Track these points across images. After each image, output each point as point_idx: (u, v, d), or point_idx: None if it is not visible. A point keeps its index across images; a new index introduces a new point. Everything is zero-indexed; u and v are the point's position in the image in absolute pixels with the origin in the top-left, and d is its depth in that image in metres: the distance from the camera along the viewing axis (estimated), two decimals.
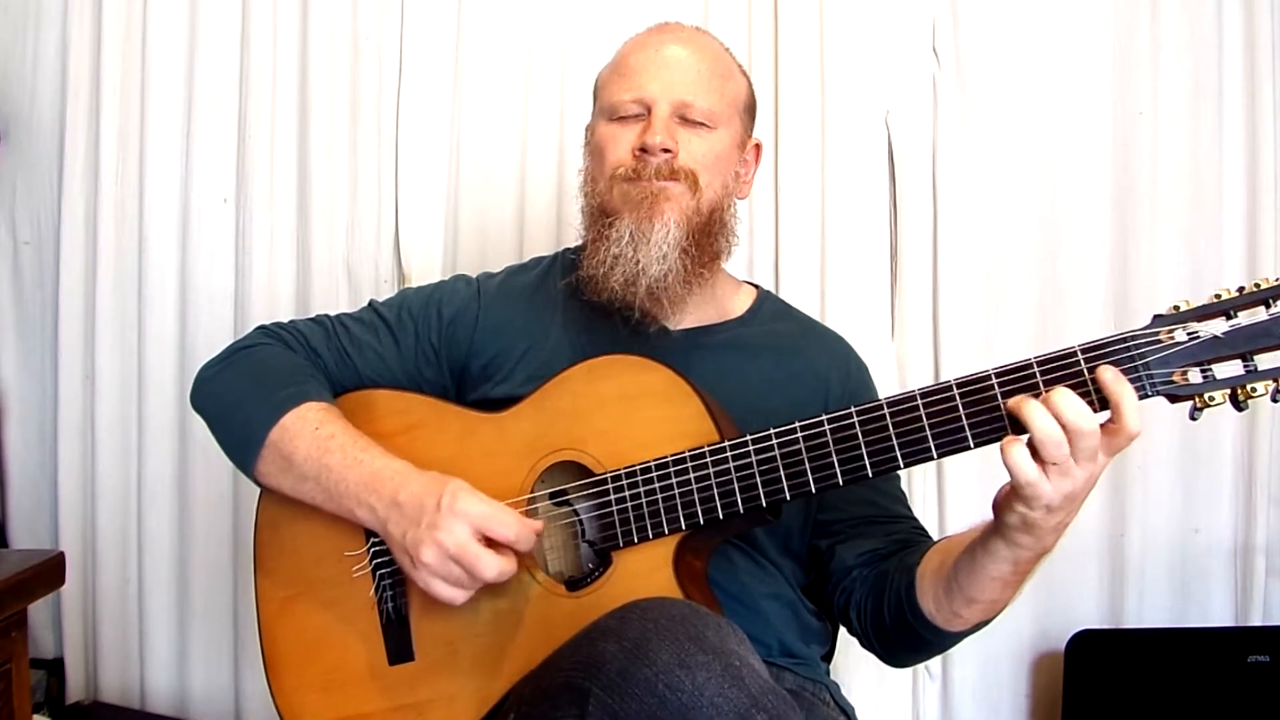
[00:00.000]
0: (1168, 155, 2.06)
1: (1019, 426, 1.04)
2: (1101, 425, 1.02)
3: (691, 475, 1.17)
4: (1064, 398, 1.01)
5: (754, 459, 1.15)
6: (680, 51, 1.37)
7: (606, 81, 1.41)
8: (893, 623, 1.26)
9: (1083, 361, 1.04)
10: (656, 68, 1.35)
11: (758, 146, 1.47)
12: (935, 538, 1.33)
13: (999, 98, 2.07)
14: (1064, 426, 1.01)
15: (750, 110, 1.44)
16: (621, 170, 1.34)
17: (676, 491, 1.18)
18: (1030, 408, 1.02)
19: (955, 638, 1.24)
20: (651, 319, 1.34)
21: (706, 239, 1.35)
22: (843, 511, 1.36)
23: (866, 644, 1.34)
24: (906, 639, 1.26)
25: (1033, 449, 1.02)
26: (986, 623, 1.22)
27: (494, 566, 1.14)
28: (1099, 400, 1.03)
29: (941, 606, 1.20)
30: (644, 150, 1.32)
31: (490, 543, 1.16)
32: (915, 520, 1.39)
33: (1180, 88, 2.06)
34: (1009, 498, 1.06)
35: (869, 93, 2.07)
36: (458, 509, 1.15)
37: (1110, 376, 1.02)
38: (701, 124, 1.35)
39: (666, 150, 1.32)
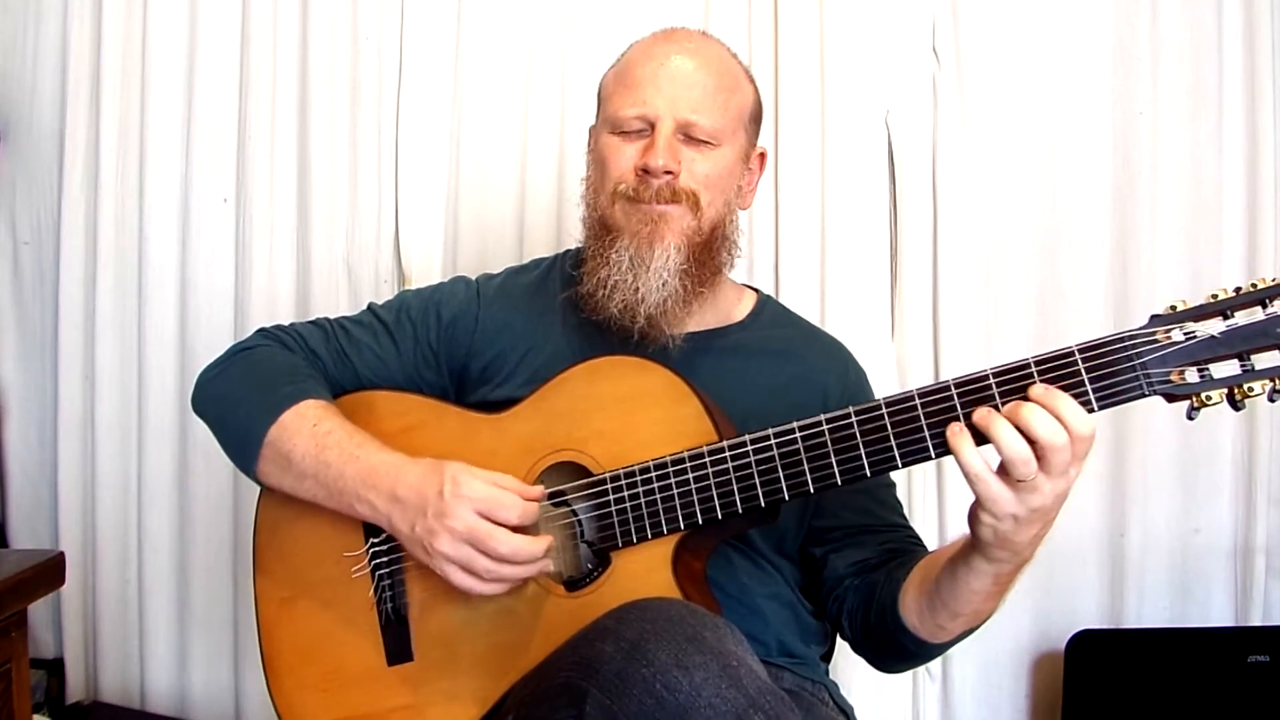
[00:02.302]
0: (1168, 155, 2.06)
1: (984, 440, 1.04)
2: None
3: (690, 476, 1.17)
4: (1033, 414, 1.01)
5: (753, 459, 1.15)
6: (686, 64, 1.34)
7: (611, 91, 1.38)
8: (879, 634, 1.27)
9: (1080, 361, 1.04)
10: (661, 82, 1.33)
11: (762, 155, 1.46)
12: (933, 544, 1.33)
13: (999, 98, 2.07)
14: (1035, 443, 1.01)
15: (756, 119, 1.43)
16: (623, 187, 1.33)
17: (675, 492, 1.18)
18: (997, 426, 1.02)
19: (940, 649, 1.25)
20: (650, 341, 1.33)
21: (708, 255, 1.35)
22: (838, 519, 1.36)
23: (858, 650, 1.35)
24: (894, 649, 1.27)
25: (1002, 468, 1.03)
26: (971, 632, 1.22)
27: (506, 542, 1.14)
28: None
29: (925, 620, 1.20)
30: (646, 171, 1.31)
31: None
32: (910, 529, 1.39)
33: (1180, 88, 2.06)
34: (976, 507, 1.06)
35: (869, 93, 2.07)
36: (461, 492, 1.15)
37: (1040, 392, 1.02)
38: (705, 142, 1.33)
39: (669, 172, 1.31)
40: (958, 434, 1.04)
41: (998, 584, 1.13)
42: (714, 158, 1.34)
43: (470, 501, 1.15)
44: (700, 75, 1.34)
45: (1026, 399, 1.02)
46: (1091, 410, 1.03)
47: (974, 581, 1.13)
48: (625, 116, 1.33)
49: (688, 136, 1.32)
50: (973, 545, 1.11)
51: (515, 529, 1.16)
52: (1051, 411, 1.01)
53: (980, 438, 1.04)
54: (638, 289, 1.30)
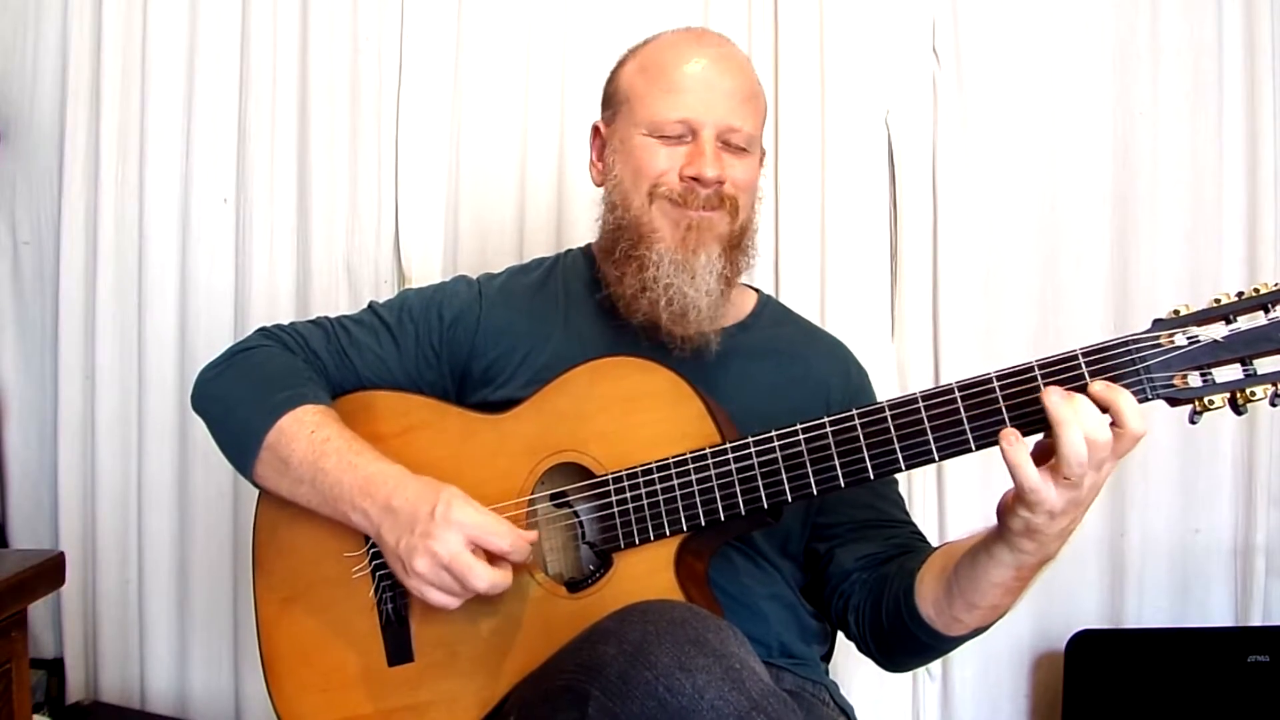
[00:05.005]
0: (1168, 155, 2.06)
1: (1022, 420, 1.04)
2: None
3: (693, 476, 1.18)
4: (1084, 408, 1.01)
5: (755, 460, 1.15)
6: (721, 69, 1.34)
7: (643, 91, 1.36)
8: (891, 627, 1.26)
9: (1084, 365, 1.04)
10: (701, 88, 1.33)
11: (763, 154, 1.46)
12: (935, 543, 1.33)
13: (999, 98, 2.07)
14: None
15: (764, 123, 1.44)
16: (664, 189, 1.32)
17: (678, 493, 1.18)
18: (1070, 429, 1.00)
19: (954, 642, 1.24)
20: (691, 344, 1.33)
21: (736, 257, 1.36)
22: (842, 515, 1.36)
23: (863, 648, 1.34)
24: (905, 643, 1.26)
25: (1047, 456, 1.02)
26: (985, 628, 1.22)
27: (485, 578, 1.14)
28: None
29: (941, 611, 1.20)
30: (696, 180, 1.31)
31: (483, 552, 1.16)
32: (914, 525, 1.39)
33: (1180, 88, 2.06)
34: (1014, 502, 1.06)
35: (869, 93, 2.07)
36: (452, 518, 1.15)
37: (1101, 389, 1.02)
38: (742, 149, 1.34)
39: (719, 181, 1.31)
40: (1013, 444, 1.03)
41: (1018, 578, 1.13)
42: (748, 163, 1.35)
43: (461, 527, 1.15)
44: (736, 82, 1.35)
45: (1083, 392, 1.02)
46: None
47: (995, 572, 1.12)
48: (666, 121, 1.33)
49: (726, 143, 1.33)
50: (998, 535, 1.11)
51: (497, 560, 1.16)
52: (1110, 407, 1.01)
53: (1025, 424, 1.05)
54: (685, 294, 1.30)
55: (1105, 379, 1.03)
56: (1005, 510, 1.08)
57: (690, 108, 1.32)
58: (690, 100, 1.32)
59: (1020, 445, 1.03)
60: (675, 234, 1.32)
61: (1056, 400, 1.01)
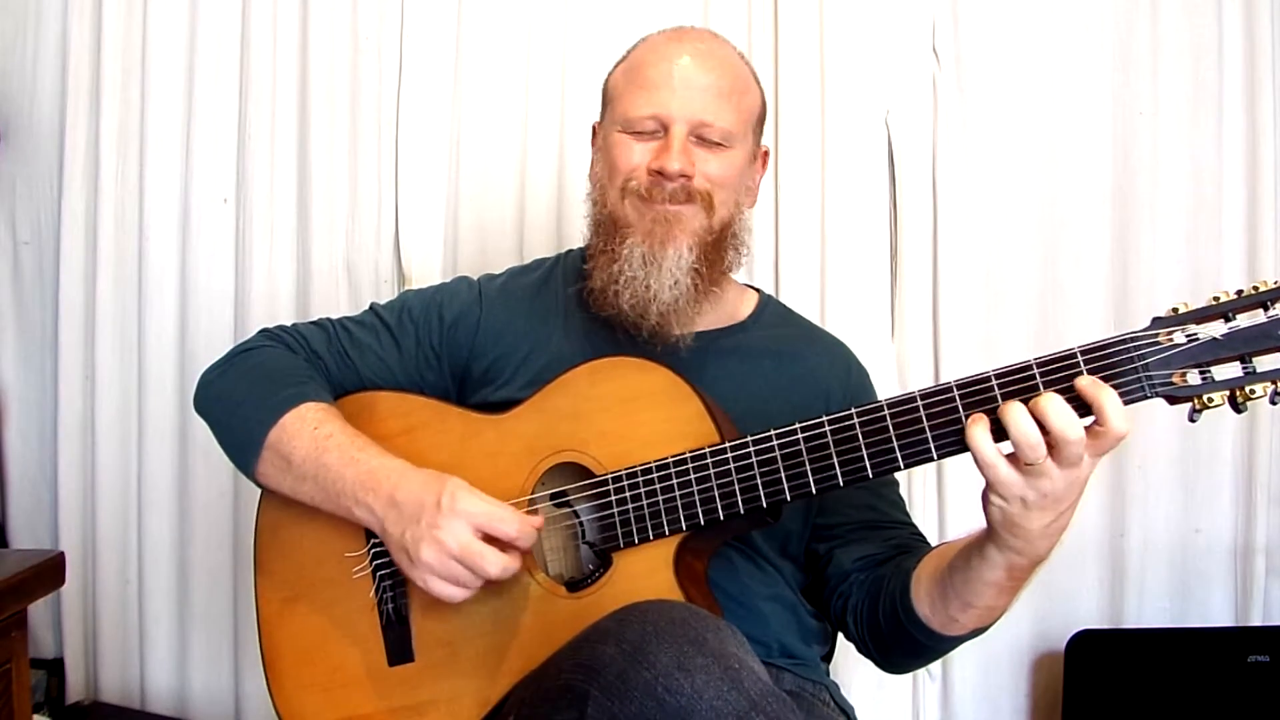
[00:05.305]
0: (1168, 155, 2.07)
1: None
2: (1086, 428, 1.02)
3: (692, 476, 1.17)
4: (1051, 403, 1.01)
5: (754, 460, 1.15)
6: (699, 65, 1.34)
7: (622, 90, 1.37)
8: (888, 627, 1.26)
9: (1082, 363, 1.03)
10: (675, 84, 1.32)
11: (765, 153, 1.46)
12: (934, 544, 1.33)
13: (999, 98, 2.08)
14: (1049, 432, 1.00)
15: (762, 121, 1.43)
16: (634, 185, 1.33)
17: (677, 493, 1.18)
18: (1011, 411, 1.02)
19: (951, 643, 1.23)
20: (660, 339, 1.33)
21: (718, 254, 1.35)
22: (841, 516, 1.36)
23: (863, 649, 1.34)
24: (902, 644, 1.26)
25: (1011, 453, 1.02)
26: (983, 629, 1.22)
27: (498, 563, 1.14)
28: (1085, 406, 1.02)
29: (937, 611, 1.20)
30: (661, 174, 1.31)
31: (491, 540, 1.16)
32: (914, 526, 1.39)
33: (1180, 88, 2.06)
34: (986, 489, 1.06)
35: (869, 93, 2.08)
36: (458, 508, 1.15)
37: (1087, 384, 1.01)
38: (718, 144, 1.33)
39: (684, 175, 1.31)
40: (974, 421, 1.04)
41: (1011, 578, 1.12)
42: (726, 159, 1.34)
43: (468, 517, 1.15)
44: (713, 77, 1.34)
45: (1070, 389, 1.02)
46: (1082, 415, 1.02)
47: (987, 572, 1.12)
48: (638, 117, 1.33)
49: (700, 138, 1.32)
50: (987, 534, 1.10)
51: (507, 546, 1.16)
52: (1094, 404, 1.01)
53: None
54: (649, 286, 1.30)
55: (1103, 377, 1.02)
56: (983, 499, 1.08)
57: (661, 103, 1.32)
58: (662, 96, 1.32)
59: (978, 424, 1.03)
60: (644, 228, 1.32)
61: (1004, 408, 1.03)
